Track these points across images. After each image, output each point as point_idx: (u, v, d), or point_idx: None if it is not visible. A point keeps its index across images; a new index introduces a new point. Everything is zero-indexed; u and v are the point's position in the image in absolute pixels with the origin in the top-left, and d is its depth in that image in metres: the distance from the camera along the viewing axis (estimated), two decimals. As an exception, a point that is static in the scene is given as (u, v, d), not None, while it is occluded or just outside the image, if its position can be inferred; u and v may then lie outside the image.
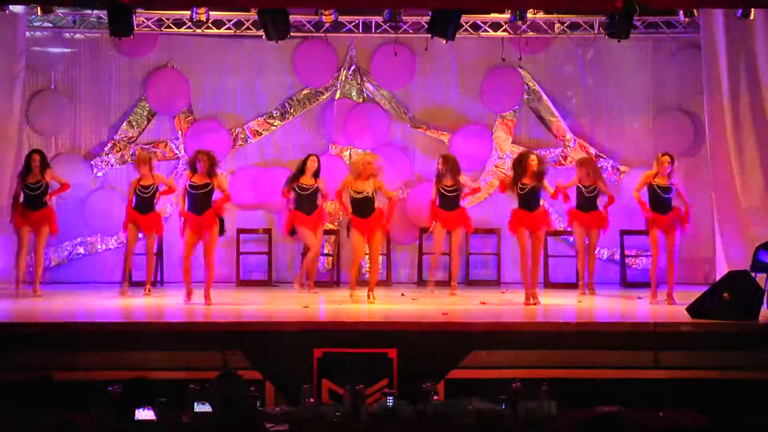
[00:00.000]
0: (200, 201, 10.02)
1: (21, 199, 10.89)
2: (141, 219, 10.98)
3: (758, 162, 11.31)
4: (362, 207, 10.35)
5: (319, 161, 11.35)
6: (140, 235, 11.15)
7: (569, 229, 11.73)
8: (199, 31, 12.28)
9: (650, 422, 7.08)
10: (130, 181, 11.39)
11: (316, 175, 11.27)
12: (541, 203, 10.29)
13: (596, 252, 11.67)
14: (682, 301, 9.33)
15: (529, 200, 10.12)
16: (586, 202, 11.16)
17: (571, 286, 11.71)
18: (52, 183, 11.05)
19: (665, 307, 9.88)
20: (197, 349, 8.02)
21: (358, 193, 10.34)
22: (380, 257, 11.81)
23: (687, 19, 11.82)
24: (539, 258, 10.26)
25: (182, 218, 10.23)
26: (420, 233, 12.36)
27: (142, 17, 11.91)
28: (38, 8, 10.85)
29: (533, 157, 10.22)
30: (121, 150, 12.74)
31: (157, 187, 11.04)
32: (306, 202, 11.19)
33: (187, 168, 10.45)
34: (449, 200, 11.23)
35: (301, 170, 11.27)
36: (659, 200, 10.13)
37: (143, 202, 10.98)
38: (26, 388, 7.13)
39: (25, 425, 6.62)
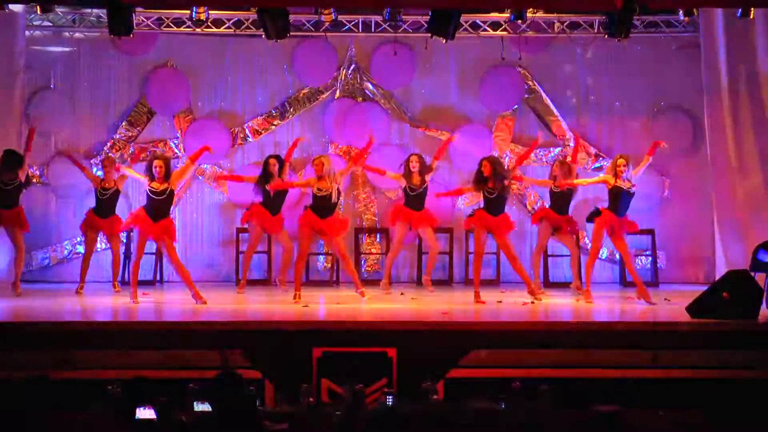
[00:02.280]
0: (159, 207, 9.86)
1: None
2: (102, 222, 10.97)
3: (758, 162, 11.32)
4: (321, 206, 10.25)
5: (280, 162, 11.03)
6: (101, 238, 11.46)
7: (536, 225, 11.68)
8: (198, 30, 12.28)
9: (650, 422, 7.07)
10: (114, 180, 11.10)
11: (280, 175, 10.96)
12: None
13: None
14: (682, 301, 9.33)
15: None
16: (554, 203, 11.26)
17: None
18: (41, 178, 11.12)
19: (665, 306, 9.89)
20: (197, 349, 8.02)
21: (319, 191, 10.27)
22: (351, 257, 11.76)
23: (687, 19, 11.81)
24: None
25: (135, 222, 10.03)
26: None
27: (141, 16, 11.90)
28: (38, 7, 10.83)
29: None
30: (120, 149, 12.74)
31: (117, 189, 10.96)
32: (271, 203, 11.00)
33: (146, 173, 10.01)
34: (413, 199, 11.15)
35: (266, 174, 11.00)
36: (618, 202, 10.08)
37: (104, 205, 10.95)
38: (24, 387, 7.12)
39: (24, 425, 6.61)
